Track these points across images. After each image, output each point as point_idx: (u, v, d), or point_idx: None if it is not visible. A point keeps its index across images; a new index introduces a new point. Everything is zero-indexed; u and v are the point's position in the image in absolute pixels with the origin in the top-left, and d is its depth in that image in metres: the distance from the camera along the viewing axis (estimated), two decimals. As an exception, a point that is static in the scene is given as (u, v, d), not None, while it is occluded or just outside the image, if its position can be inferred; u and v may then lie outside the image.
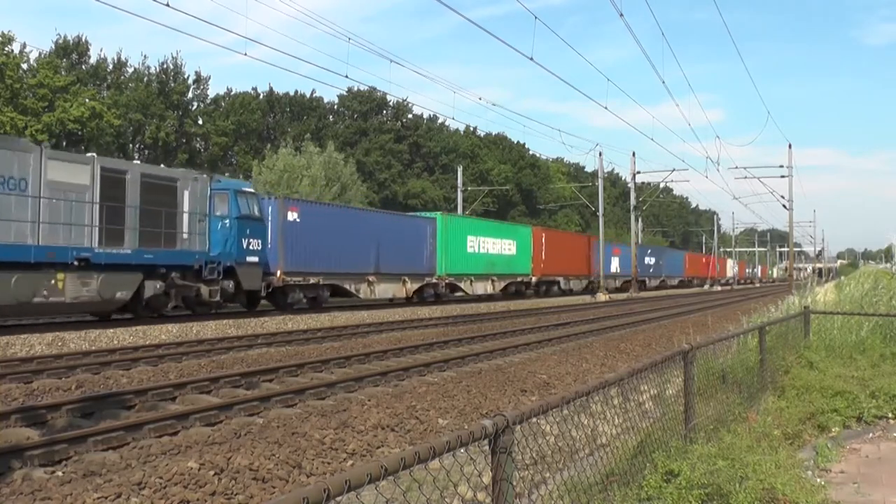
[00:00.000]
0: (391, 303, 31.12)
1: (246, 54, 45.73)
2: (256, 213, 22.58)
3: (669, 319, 27.81)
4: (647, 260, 62.93)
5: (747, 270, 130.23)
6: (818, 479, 5.69)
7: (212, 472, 6.58)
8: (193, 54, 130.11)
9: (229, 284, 21.45)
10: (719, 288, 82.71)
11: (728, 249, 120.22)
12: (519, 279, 41.14)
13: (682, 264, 76.57)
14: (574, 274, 48.64)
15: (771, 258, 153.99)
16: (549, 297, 44.04)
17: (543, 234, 44.21)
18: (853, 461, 6.46)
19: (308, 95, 73.61)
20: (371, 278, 28.27)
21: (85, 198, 17.39)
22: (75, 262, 16.85)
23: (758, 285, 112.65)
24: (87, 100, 48.97)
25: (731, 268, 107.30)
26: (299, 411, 9.82)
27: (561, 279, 46.36)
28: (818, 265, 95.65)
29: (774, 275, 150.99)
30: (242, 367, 13.19)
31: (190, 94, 63.90)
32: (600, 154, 56.90)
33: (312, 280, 25.37)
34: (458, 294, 35.93)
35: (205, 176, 21.28)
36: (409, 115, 77.71)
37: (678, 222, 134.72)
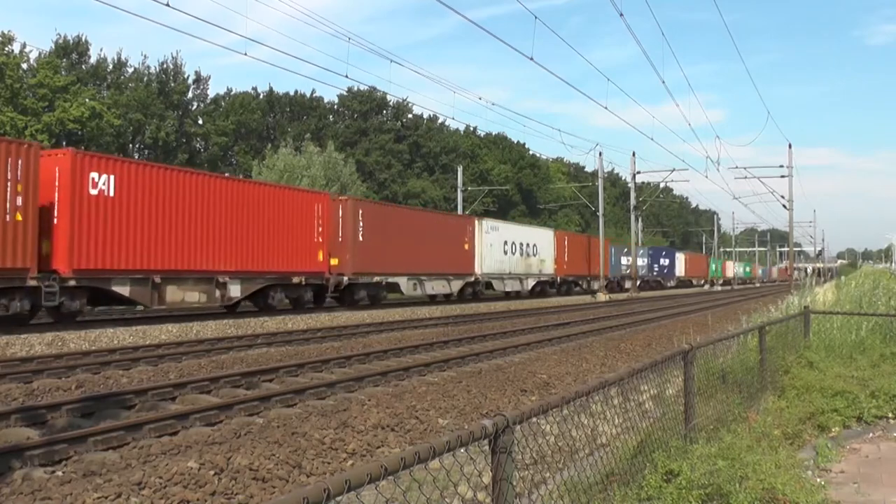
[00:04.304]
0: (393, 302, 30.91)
1: (246, 54, 45.87)
2: None
3: (669, 319, 27.81)
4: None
5: (629, 261, 55.42)
6: (818, 479, 5.68)
7: (212, 472, 6.59)
8: (193, 54, 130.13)
9: None
10: (719, 288, 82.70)
11: (728, 249, 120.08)
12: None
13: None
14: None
15: (767, 256, 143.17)
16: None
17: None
18: (853, 461, 6.45)
19: (308, 95, 73.55)
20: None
21: None
22: None
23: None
24: (87, 100, 48.90)
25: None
26: (299, 411, 9.82)
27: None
28: (818, 265, 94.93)
29: (730, 273, 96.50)
30: (242, 367, 13.20)
31: (190, 94, 63.82)
32: (600, 154, 56.92)
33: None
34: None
35: None
36: (409, 115, 77.61)
37: (678, 222, 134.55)
